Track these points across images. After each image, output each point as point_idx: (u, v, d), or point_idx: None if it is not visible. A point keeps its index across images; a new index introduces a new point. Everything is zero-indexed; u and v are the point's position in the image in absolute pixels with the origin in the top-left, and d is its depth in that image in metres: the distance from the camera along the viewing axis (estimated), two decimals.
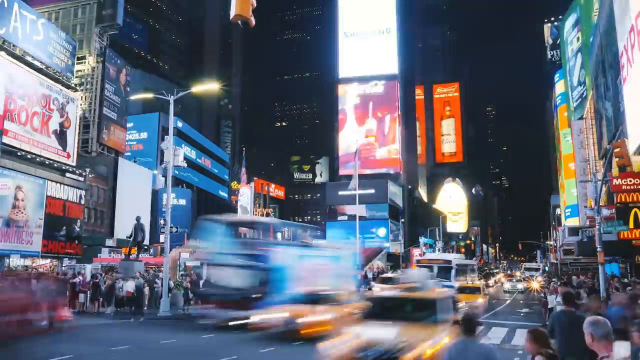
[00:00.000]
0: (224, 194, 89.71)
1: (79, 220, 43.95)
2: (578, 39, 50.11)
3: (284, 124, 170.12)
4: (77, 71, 51.37)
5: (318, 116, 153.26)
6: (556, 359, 4.70)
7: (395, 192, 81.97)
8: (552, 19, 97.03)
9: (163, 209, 50.20)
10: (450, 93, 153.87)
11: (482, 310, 20.61)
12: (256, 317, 15.21)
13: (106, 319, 20.48)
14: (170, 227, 24.31)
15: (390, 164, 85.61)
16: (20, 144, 37.26)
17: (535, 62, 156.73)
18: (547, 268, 64.56)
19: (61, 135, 42.54)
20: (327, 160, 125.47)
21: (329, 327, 12.37)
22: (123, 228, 44.99)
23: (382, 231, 76.05)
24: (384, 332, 9.23)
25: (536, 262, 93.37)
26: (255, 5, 8.62)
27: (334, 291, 16.60)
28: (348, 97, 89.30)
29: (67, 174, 42.56)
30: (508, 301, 38.65)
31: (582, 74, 47.71)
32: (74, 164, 43.88)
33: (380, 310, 10.44)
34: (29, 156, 38.10)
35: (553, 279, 34.89)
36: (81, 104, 48.46)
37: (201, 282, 21.96)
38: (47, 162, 40.22)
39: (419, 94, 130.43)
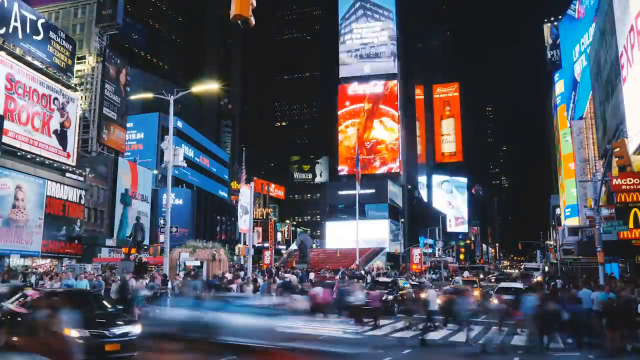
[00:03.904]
0: (223, 194, 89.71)
1: (79, 220, 43.96)
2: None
3: (284, 124, 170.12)
4: (77, 71, 51.37)
5: (318, 116, 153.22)
6: None
7: (395, 192, 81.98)
8: (552, 18, 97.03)
9: (163, 209, 50.21)
10: (450, 93, 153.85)
11: None
12: None
13: None
14: (170, 227, 24.29)
15: (390, 164, 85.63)
16: (21, 144, 37.26)
17: (535, 62, 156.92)
18: (546, 268, 64.46)
19: (61, 135, 42.55)
20: (327, 160, 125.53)
21: None
22: None
23: (382, 231, 76.07)
24: None
25: (536, 262, 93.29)
26: (255, 5, 8.63)
27: None
28: (348, 96, 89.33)
29: (67, 174, 42.56)
30: None
31: None
32: (74, 163, 43.88)
33: None
34: (29, 156, 38.10)
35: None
36: (81, 104, 48.47)
37: None
38: (47, 162, 40.21)
39: (419, 94, 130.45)
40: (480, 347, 14.28)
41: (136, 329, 10.97)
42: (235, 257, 51.96)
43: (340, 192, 78.23)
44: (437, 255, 77.38)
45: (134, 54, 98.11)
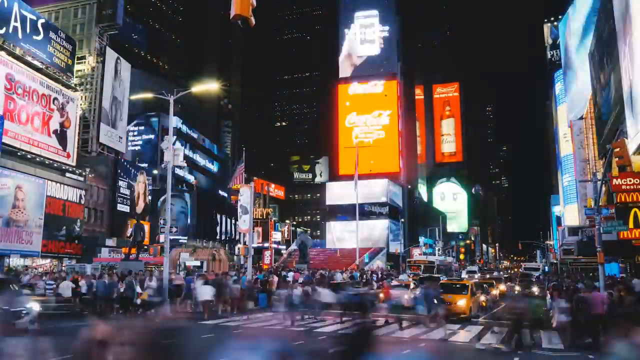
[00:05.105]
0: (224, 194, 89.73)
1: (79, 220, 43.97)
2: None
3: (284, 124, 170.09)
4: (77, 71, 51.33)
5: (318, 116, 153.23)
6: None
7: (395, 192, 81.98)
8: (552, 18, 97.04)
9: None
10: (450, 93, 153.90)
11: None
12: None
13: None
14: (170, 227, 24.30)
15: (390, 164, 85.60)
16: (21, 144, 37.28)
17: (535, 62, 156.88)
18: (547, 268, 64.39)
19: (61, 135, 42.58)
20: (327, 160, 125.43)
21: None
22: None
23: (381, 231, 76.11)
24: None
25: (536, 262, 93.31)
26: (255, 5, 8.63)
27: None
28: (348, 96, 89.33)
29: (67, 174, 42.60)
30: None
31: None
32: (74, 163, 43.91)
33: None
34: (29, 156, 38.13)
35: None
36: (81, 104, 48.47)
37: None
38: (47, 162, 40.24)
39: (419, 94, 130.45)
40: None
41: None
42: (235, 257, 51.98)
43: (340, 192, 78.20)
44: (437, 255, 77.38)
45: (134, 54, 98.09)
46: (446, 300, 20.21)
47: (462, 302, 20.15)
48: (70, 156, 43.64)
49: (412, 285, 28.07)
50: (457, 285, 22.43)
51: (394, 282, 32.33)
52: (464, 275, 55.14)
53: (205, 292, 19.74)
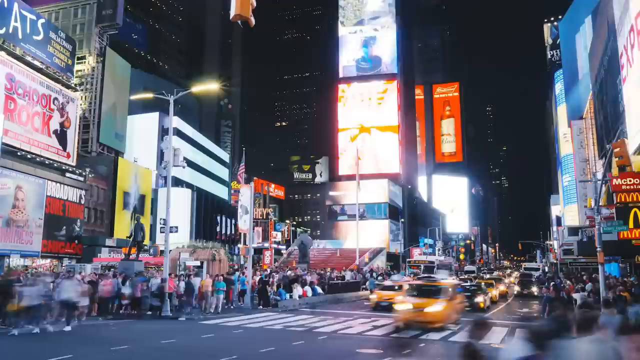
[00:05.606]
0: (224, 194, 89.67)
1: (79, 220, 43.95)
2: None
3: (284, 124, 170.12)
4: (77, 71, 51.36)
5: (318, 116, 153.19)
6: None
7: (395, 192, 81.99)
8: (552, 18, 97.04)
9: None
10: (450, 93, 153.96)
11: None
12: None
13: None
14: (170, 227, 24.28)
15: (390, 164, 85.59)
16: (21, 144, 37.27)
17: (535, 62, 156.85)
18: (546, 268, 64.41)
19: (61, 135, 42.58)
20: (327, 160, 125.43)
21: None
22: None
23: (381, 231, 76.10)
24: None
25: (536, 262, 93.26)
26: (255, 5, 8.62)
27: None
28: (348, 96, 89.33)
29: (67, 174, 42.58)
30: None
31: None
32: (74, 163, 43.91)
33: None
34: (29, 156, 38.11)
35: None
36: (81, 104, 48.48)
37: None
38: (47, 162, 40.23)
39: (419, 94, 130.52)
40: None
41: None
42: (235, 257, 52.01)
43: (340, 192, 78.24)
44: (437, 255, 77.37)
45: (134, 54, 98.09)
46: (415, 306, 16.82)
47: (435, 308, 16.89)
48: (70, 156, 43.63)
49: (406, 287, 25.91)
50: (432, 288, 18.55)
51: (387, 283, 28.79)
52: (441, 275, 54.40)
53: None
